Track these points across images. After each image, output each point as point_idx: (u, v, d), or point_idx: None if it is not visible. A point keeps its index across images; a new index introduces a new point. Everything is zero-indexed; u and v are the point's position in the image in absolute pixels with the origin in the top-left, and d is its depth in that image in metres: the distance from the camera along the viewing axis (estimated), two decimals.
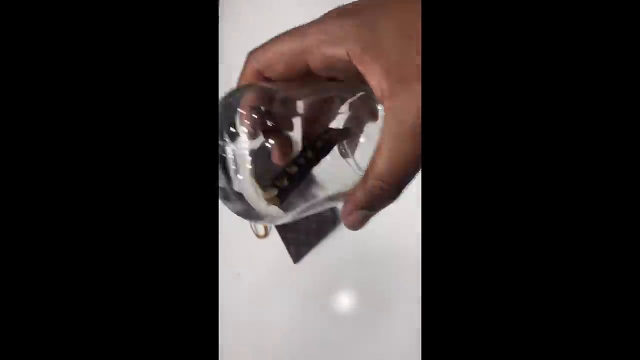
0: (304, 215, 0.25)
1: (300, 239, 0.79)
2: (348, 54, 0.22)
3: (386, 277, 0.69)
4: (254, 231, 0.88)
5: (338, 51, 0.22)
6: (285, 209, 0.23)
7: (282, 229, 0.82)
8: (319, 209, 0.26)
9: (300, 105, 0.25)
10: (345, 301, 0.75)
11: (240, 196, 0.22)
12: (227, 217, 0.92)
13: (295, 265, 0.81)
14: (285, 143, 0.23)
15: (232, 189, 0.22)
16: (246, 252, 0.91)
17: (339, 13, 0.23)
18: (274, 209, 0.23)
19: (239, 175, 0.22)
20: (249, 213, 0.23)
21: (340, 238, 0.77)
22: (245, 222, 0.89)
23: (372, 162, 0.22)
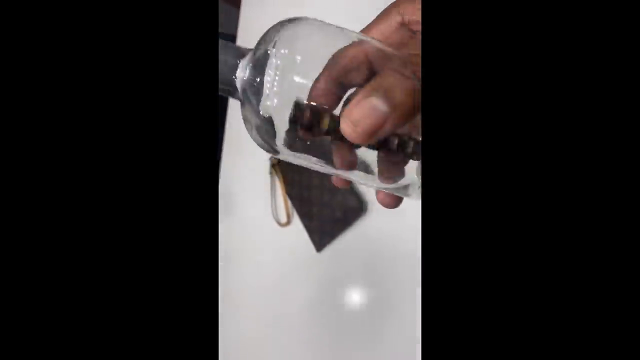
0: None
1: (324, 227, 0.78)
2: (401, 14, 0.22)
3: (413, 266, 0.67)
4: (275, 219, 0.87)
5: (391, 18, 0.23)
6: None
7: (306, 217, 0.81)
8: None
9: None
10: (369, 291, 0.74)
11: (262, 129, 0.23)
12: (249, 206, 0.91)
13: (318, 254, 0.80)
14: (349, 155, 0.23)
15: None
16: (268, 240, 0.91)
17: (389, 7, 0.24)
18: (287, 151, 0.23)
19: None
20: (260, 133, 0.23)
21: (365, 227, 0.75)
22: (268, 211, 0.88)
23: None
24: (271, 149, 0.23)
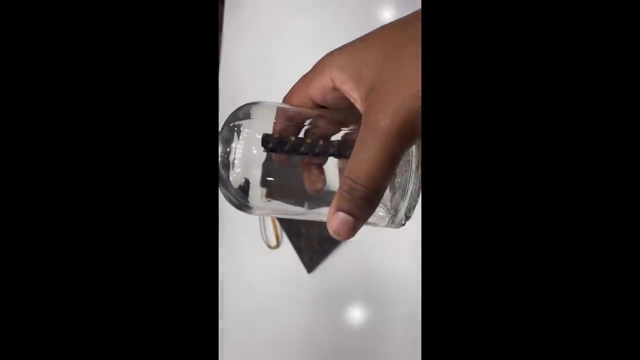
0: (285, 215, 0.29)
1: (314, 247, 0.77)
2: (332, 79, 0.26)
3: (405, 285, 0.67)
4: (265, 242, 0.87)
5: (325, 80, 0.26)
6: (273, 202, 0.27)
7: (295, 238, 0.81)
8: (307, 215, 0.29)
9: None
10: (361, 311, 0.73)
11: (239, 192, 0.27)
12: (238, 230, 0.90)
13: (309, 274, 0.80)
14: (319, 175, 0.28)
15: (231, 184, 0.26)
16: (258, 263, 0.90)
17: (331, 52, 0.26)
18: (263, 204, 0.27)
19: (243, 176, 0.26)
20: (241, 206, 0.28)
21: (355, 245, 0.75)
22: (257, 234, 0.88)
23: (347, 164, 0.24)
24: (246, 207, 0.28)
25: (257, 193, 0.26)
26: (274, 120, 0.27)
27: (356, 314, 0.74)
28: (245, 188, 0.26)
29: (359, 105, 0.24)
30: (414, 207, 0.26)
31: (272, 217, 0.85)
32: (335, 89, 0.26)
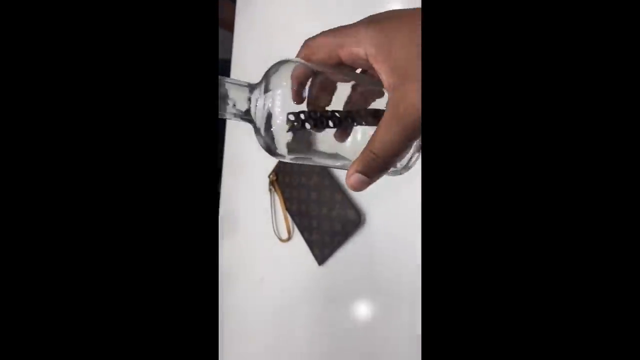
0: (306, 161, 0.33)
1: (325, 240, 0.79)
2: (366, 54, 0.29)
3: (414, 278, 0.68)
4: (276, 235, 0.88)
5: (360, 50, 0.29)
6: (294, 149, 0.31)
7: (306, 231, 0.82)
8: (325, 162, 0.33)
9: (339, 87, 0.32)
10: (371, 303, 0.74)
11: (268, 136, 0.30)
12: (250, 224, 0.91)
13: (320, 267, 0.81)
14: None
15: (262, 129, 0.30)
16: (270, 256, 0.92)
17: (369, 21, 0.30)
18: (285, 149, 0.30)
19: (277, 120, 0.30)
20: (269, 147, 0.31)
21: (366, 238, 0.76)
22: (269, 227, 0.90)
23: (371, 137, 0.29)
24: (277, 154, 0.31)
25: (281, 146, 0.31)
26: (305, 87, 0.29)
27: (366, 307, 0.75)
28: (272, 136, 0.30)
29: (385, 85, 0.28)
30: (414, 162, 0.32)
31: (283, 212, 0.87)
32: (365, 60, 0.29)
